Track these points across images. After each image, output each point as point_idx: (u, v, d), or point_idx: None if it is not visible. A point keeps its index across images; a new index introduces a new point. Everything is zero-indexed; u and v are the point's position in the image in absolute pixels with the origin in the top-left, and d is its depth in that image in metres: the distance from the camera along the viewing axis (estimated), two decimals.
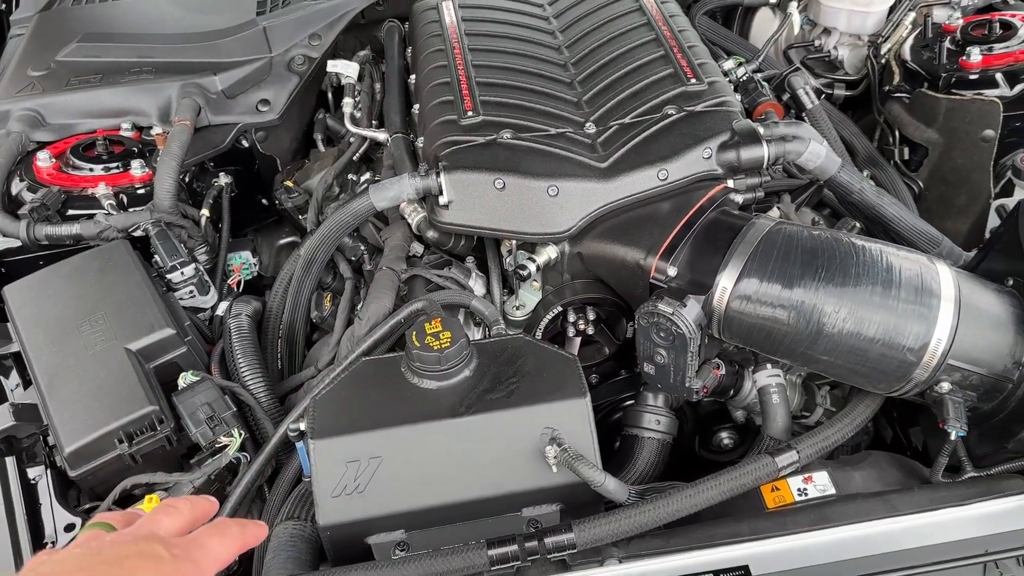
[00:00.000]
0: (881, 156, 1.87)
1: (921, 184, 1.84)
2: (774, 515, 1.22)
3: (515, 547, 1.10)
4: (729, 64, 1.85)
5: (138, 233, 1.62)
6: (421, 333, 1.22)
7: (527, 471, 1.17)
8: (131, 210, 1.66)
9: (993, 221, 1.64)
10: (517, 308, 1.51)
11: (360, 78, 1.91)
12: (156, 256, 1.57)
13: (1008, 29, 1.87)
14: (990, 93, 1.77)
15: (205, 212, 1.70)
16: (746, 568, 1.12)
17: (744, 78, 1.81)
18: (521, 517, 1.17)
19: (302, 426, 1.21)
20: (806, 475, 1.26)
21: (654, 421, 1.43)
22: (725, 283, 1.25)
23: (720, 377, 1.37)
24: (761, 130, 1.39)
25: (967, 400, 1.23)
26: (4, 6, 2.29)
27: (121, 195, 1.70)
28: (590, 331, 1.52)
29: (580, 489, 1.15)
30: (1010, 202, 1.58)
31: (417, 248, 1.58)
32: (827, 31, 2.17)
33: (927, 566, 1.06)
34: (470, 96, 1.53)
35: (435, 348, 1.20)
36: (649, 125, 1.44)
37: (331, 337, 1.50)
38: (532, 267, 1.43)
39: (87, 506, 1.33)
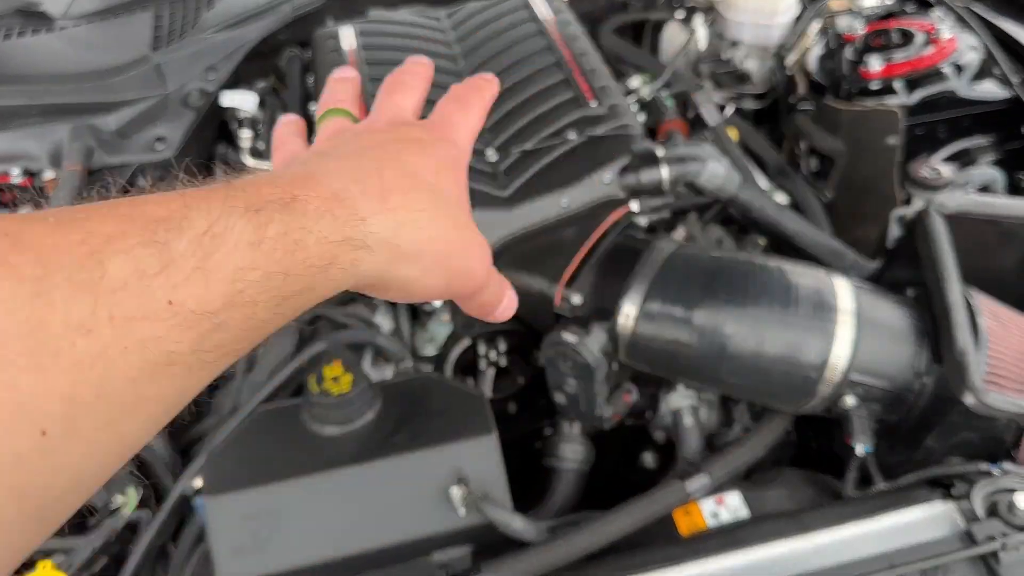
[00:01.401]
0: (790, 167, 1.88)
1: (830, 194, 1.86)
2: (687, 541, 1.21)
3: None
4: (635, 82, 1.85)
5: None
6: (320, 378, 1.18)
7: (435, 514, 1.14)
8: None
9: (895, 230, 1.66)
10: (427, 343, 1.48)
11: (263, 106, 1.87)
12: None
13: (907, 37, 1.91)
14: (891, 101, 1.80)
15: None
16: None
17: (649, 97, 1.81)
18: (431, 563, 1.14)
19: (198, 483, 1.17)
20: (718, 496, 1.26)
21: (571, 451, 1.41)
22: (628, 308, 1.24)
23: (631, 402, 1.36)
24: (659, 152, 1.39)
25: (872, 413, 1.24)
26: None
27: None
28: (503, 363, 1.50)
29: (491, 529, 1.13)
30: (910, 211, 1.60)
31: None
32: (734, 44, 2.19)
33: None
34: None
35: (335, 393, 1.17)
36: (549, 151, 1.43)
37: (232, 384, 1.45)
38: (438, 301, 1.40)
39: None
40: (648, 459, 1.64)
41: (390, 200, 0.60)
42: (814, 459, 1.58)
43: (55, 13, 1.83)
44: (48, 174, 1.72)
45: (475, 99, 0.80)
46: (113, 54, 1.77)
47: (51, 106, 1.71)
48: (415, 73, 0.82)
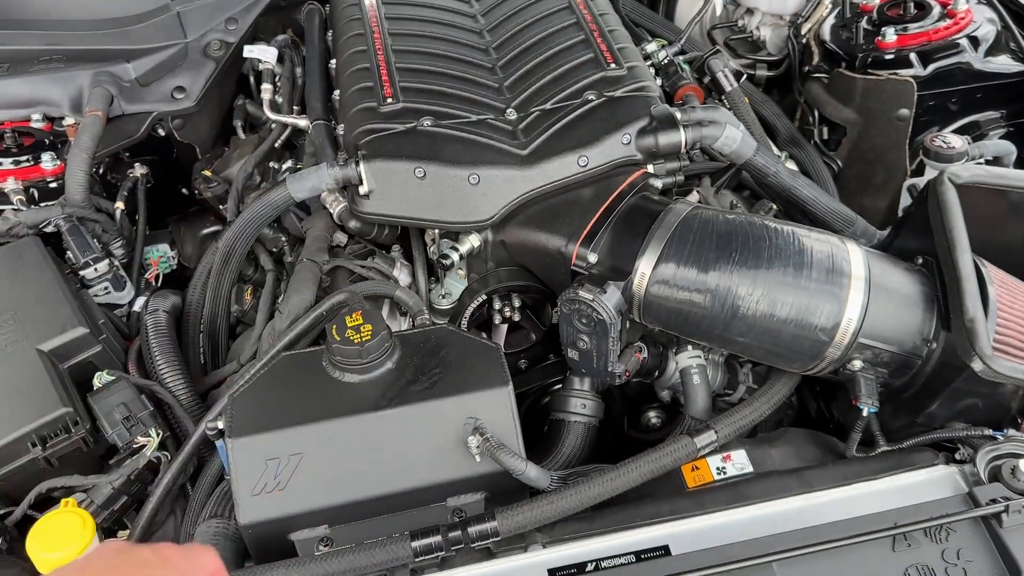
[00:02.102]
0: (802, 136, 1.90)
1: (840, 163, 1.88)
2: (693, 494, 1.24)
3: (439, 538, 1.10)
4: (652, 47, 1.86)
5: (49, 229, 1.56)
6: (342, 327, 1.20)
7: (451, 461, 1.17)
8: (42, 205, 1.61)
9: (905, 200, 1.69)
10: (443, 297, 1.50)
11: (281, 62, 1.87)
12: (68, 252, 1.52)
13: (922, 9, 1.91)
14: (905, 73, 1.81)
15: (120, 205, 1.66)
16: (666, 548, 1.14)
17: (666, 61, 1.82)
18: (446, 507, 1.17)
19: (220, 424, 1.19)
20: (725, 454, 1.29)
21: (580, 405, 1.44)
22: (644, 268, 1.26)
23: (642, 360, 1.39)
24: (678, 115, 1.40)
25: (879, 377, 1.27)
26: None
27: (31, 189, 1.64)
28: (516, 318, 1.52)
29: (503, 477, 1.16)
30: (921, 181, 1.62)
31: (340, 238, 1.56)
32: (750, 11, 2.19)
33: (839, 541, 1.09)
34: (390, 82, 1.51)
35: (356, 341, 1.19)
36: (569, 111, 1.44)
37: (253, 331, 1.48)
38: (455, 256, 1.42)
39: (1, 511, 1.29)
40: (652, 417, 1.67)
41: None
42: (812, 423, 1.62)
43: None
44: (69, 120, 1.73)
45: None
46: (134, 2, 1.76)
47: (72, 52, 1.72)
48: None
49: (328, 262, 1.48)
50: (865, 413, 1.23)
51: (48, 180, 1.65)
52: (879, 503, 1.17)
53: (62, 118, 1.75)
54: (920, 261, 1.33)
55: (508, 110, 1.47)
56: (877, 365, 1.26)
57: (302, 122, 1.75)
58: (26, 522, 1.24)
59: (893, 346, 1.24)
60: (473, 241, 1.44)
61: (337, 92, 1.66)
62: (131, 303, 1.57)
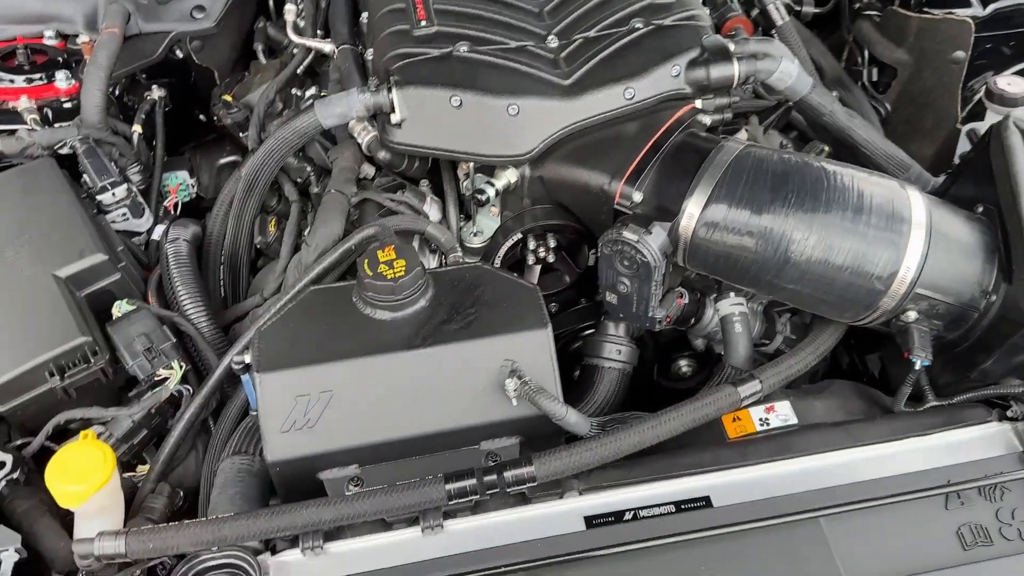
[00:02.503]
0: (849, 77, 1.81)
1: (888, 106, 1.80)
2: (736, 445, 1.20)
3: (473, 481, 1.06)
4: None
5: (65, 151, 1.49)
6: (374, 261, 1.15)
7: (485, 404, 1.13)
8: (56, 125, 1.54)
9: (963, 146, 1.61)
10: (475, 235, 1.44)
11: None
12: (85, 176, 1.46)
13: None
14: (962, 12, 1.72)
15: (137, 128, 1.59)
16: (707, 499, 1.11)
17: None
18: (479, 450, 1.14)
19: (247, 358, 1.15)
20: (768, 405, 1.25)
21: (615, 351, 1.40)
22: (692, 209, 1.20)
23: (683, 306, 1.34)
24: (732, 47, 1.32)
25: (933, 329, 1.22)
26: None
27: (45, 109, 1.57)
28: (550, 259, 1.47)
29: (540, 422, 1.12)
30: (981, 126, 1.54)
31: (368, 170, 1.49)
32: None
33: (889, 497, 1.05)
34: (423, 4, 1.42)
35: (389, 277, 1.14)
36: (615, 39, 1.36)
37: (277, 264, 1.42)
38: (491, 192, 1.36)
39: (18, 442, 1.25)
40: (683, 366, 1.63)
41: None
42: (844, 376, 1.57)
43: None
44: (83, 37, 1.65)
45: None
46: None
47: None
48: None
49: (356, 195, 1.41)
50: (918, 366, 1.18)
51: (63, 100, 1.58)
52: (929, 460, 1.13)
53: (76, 35, 1.67)
54: (980, 209, 1.27)
55: (549, 37, 1.39)
56: (932, 317, 1.21)
57: (327, 46, 1.67)
58: (43, 454, 1.21)
59: (950, 297, 1.19)
60: (510, 176, 1.37)
61: (365, 14, 1.58)
62: (150, 231, 1.52)
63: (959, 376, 1.24)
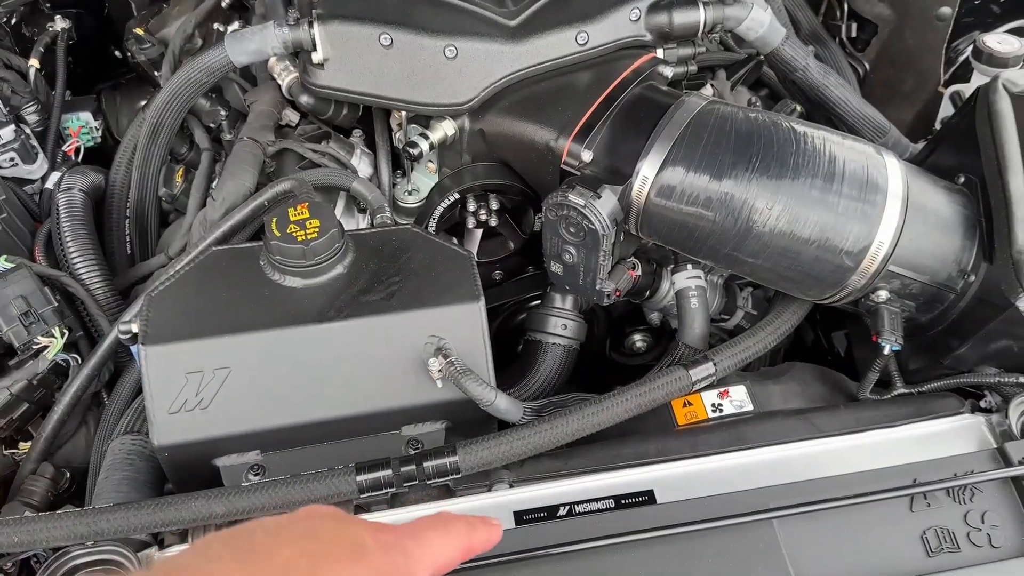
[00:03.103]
0: (826, 32, 1.69)
1: (867, 65, 1.68)
2: (684, 434, 1.09)
3: (389, 472, 0.94)
4: None
5: None
6: (283, 220, 1.02)
7: (407, 385, 1.00)
8: None
9: (946, 110, 1.49)
10: (409, 193, 1.31)
11: None
12: None
13: None
14: None
15: (34, 62, 1.42)
16: (650, 493, 1.00)
17: None
18: (400, 436, 1.02)
19: (134, 327, 1.01)
20: (722, 389, 1.14)
21: (560, 326, 1.27)
22: (647, 172, 1.07)
23: (636, 278, 1.21)
24: None
25: (905, 310, 1.11)
26: None
27: None
28: (493, 222, 1.33)
29: (468, 406, 1.00)
30: (966, 89, 1.43)
31: (291, 116, 1.34)
32: None
33: (849, 498, 0.95)
34: None
35: (300, 239, 1.00)
36: None
37: (184, 220, 1.28)
38: (424, 145, 1.22)
39: None
40: (637, 341, 1.52)
41: None
42: (807, 355, 1.47)
43: None
44: None
45: (462, 532, 0.64)
46: None
47: None
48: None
49: (274, 143, 1.26)
50: (887, 351, 1.07)
51: None
52: (895, 454, 1.02)
53: None
54: (962, 180, 1.15)
55: None
56: (904, 297, 1.10)
57: None
58: None
59: (925, 276, 1.08)
60: (447, 128, 1.23)
61: None
62: (44, 179, 1.36)
63: (931, 362, 1.14)
